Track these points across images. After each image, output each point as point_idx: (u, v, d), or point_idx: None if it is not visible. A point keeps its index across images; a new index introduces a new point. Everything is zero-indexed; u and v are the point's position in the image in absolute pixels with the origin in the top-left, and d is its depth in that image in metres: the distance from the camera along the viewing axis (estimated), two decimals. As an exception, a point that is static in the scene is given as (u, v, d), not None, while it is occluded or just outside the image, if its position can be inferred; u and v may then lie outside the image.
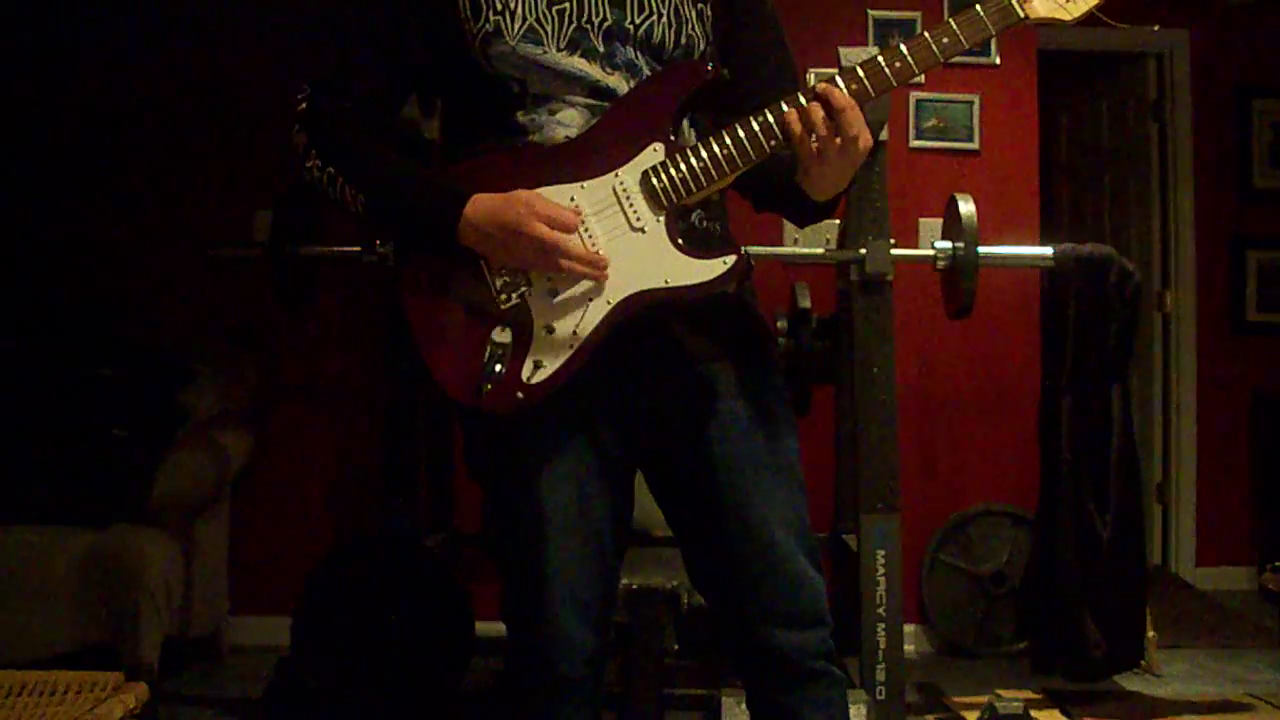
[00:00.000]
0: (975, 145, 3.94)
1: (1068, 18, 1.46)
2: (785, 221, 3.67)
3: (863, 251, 2.92)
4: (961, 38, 1.45)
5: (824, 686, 1.58)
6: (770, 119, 1.44)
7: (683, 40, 1.54)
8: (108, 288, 3.85)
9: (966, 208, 2.90)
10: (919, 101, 3.91)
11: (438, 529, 3.53)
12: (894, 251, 2.93)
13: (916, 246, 3.57)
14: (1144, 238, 5.00)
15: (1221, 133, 4.86)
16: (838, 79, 1.44)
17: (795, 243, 3.69)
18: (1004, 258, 3.07)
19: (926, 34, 1.45)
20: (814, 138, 1.42)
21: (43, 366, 3.43)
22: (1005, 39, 3.89)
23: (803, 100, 1.43)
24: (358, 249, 3.00)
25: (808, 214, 1.59)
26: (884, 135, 2.99)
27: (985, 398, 3.95)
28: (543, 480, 1.51)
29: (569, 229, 1.43)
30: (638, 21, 1.53)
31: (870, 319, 2.94)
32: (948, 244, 2.94)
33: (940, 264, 2.94)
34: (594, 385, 1.49)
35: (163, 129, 3.89)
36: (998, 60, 3.94)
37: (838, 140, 1.42)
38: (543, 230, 1.41)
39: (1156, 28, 3.77)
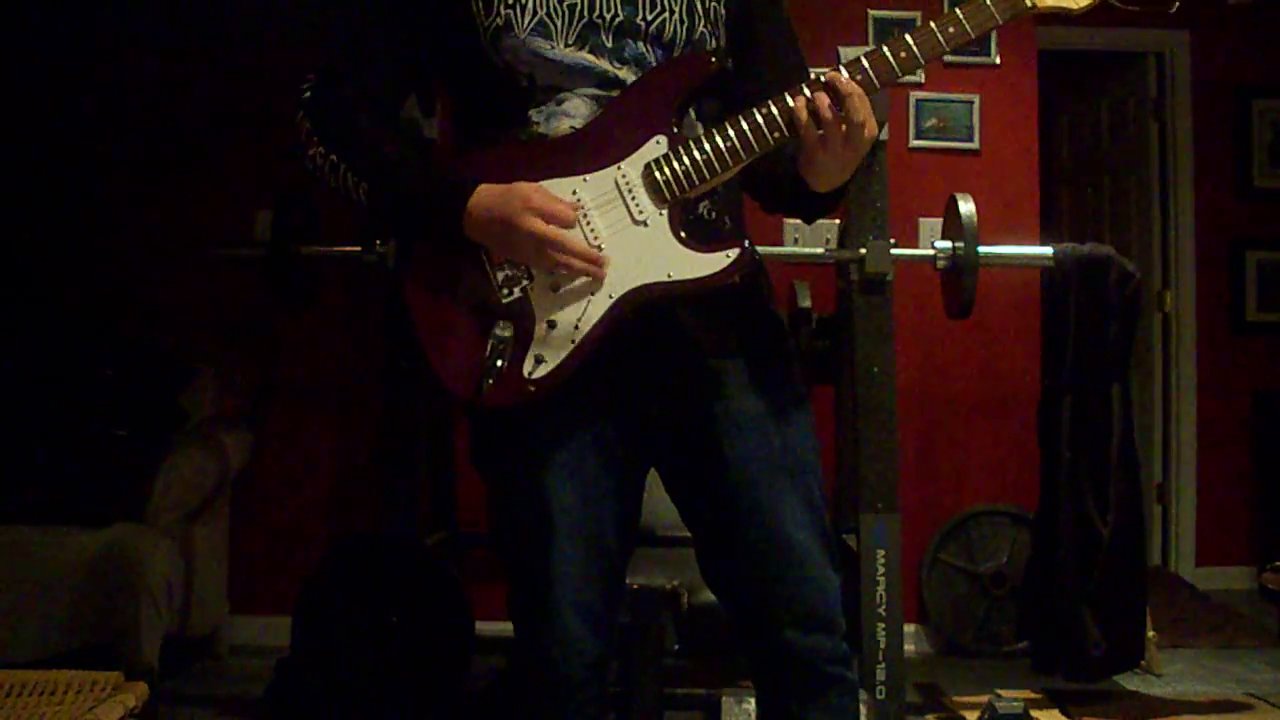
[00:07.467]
0: (975, 145, 3.93)
1: (1075, 7, 1.45)
2: (785, 221, 3.70)
3: (863, 251, 2.91)
4: (968, 27, 1.43)
5: (837, 693, 1.56)
6: (774, 110, 1.43)
7: (695, 37, 1.53)
8: (108, 288, 3.84)
9: (966, 207, 2.90)
10: (919, 101, 3.91)
11: (438, 529, 3.52)
12: (894, 251, 2.93)
13: (916, 246, 3.56)
14: (1144, 238, 5.00)
15: (1221, 133, 4.85)
16: (842, 69, 1.42)
17: (795, 242, 3.69)
18: (1004, 257, 3.07)
19: (932, 23, 1.43)
20: (819, 125, 1.41)
21: (43, 366, 3.43)
22: (1005, 39, 3.89)
23: (807, 91, 1.42)
24: (358, 249, 2.99)
25: (811, 207, 1.58)
26: (884, 135, 2.98)
27: (985, 398, 3.94)
28: (547, 480, 1.50)
29: (566, 224, 1.42)
30: (649, 18, 1.51)
31: (870, 319, 2.94)
32: (948, 244, 2.94)
33: (940, 264, 2.94)
34: (603, 382, 1.48)
35: (163, 129, 3.89)
36: (998, 60, 3.93)
37: (843, 127, 1.40)
38: (537, 225, 1.40)
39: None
